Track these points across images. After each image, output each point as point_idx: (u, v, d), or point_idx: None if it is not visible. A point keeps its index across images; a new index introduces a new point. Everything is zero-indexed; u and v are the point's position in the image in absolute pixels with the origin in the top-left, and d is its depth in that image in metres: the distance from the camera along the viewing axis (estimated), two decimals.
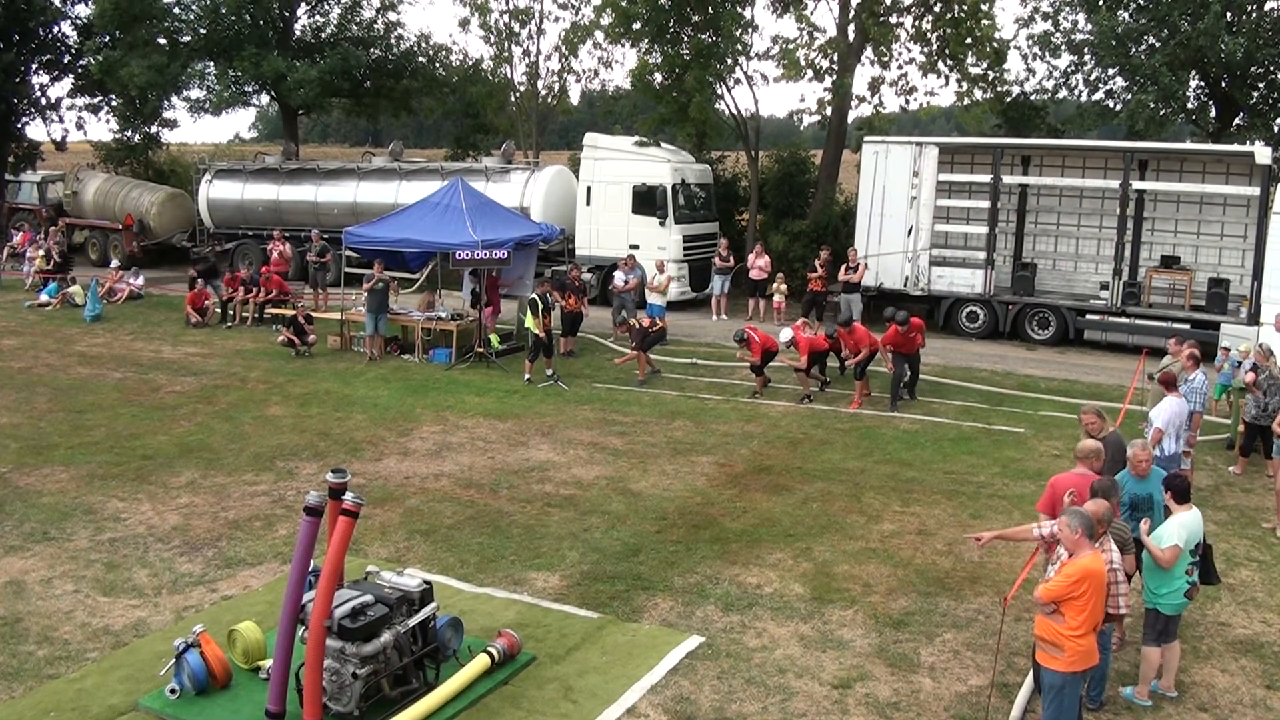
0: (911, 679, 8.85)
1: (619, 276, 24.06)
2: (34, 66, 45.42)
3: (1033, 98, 30.81)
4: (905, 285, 25.41)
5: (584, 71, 61.90)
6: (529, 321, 19.54)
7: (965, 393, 19.05)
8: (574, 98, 44.70)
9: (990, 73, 30.20)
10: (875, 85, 31.49)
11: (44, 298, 27.96)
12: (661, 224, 27.70)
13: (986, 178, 25.10)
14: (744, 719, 8.18)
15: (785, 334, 19.12)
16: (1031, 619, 7.90)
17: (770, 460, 14.73)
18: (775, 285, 26.49)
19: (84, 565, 11.12)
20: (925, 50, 30.78)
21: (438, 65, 40.56)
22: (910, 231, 25.18)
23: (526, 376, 19.31)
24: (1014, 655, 9.18)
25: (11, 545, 11.63)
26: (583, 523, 12.24)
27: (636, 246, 26.36)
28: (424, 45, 40.28)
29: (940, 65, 30.54)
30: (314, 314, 23.19)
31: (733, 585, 10.63)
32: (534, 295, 19.89)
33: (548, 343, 19.61)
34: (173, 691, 8.39)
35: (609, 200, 28.19)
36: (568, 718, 8.17)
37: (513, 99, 40.64)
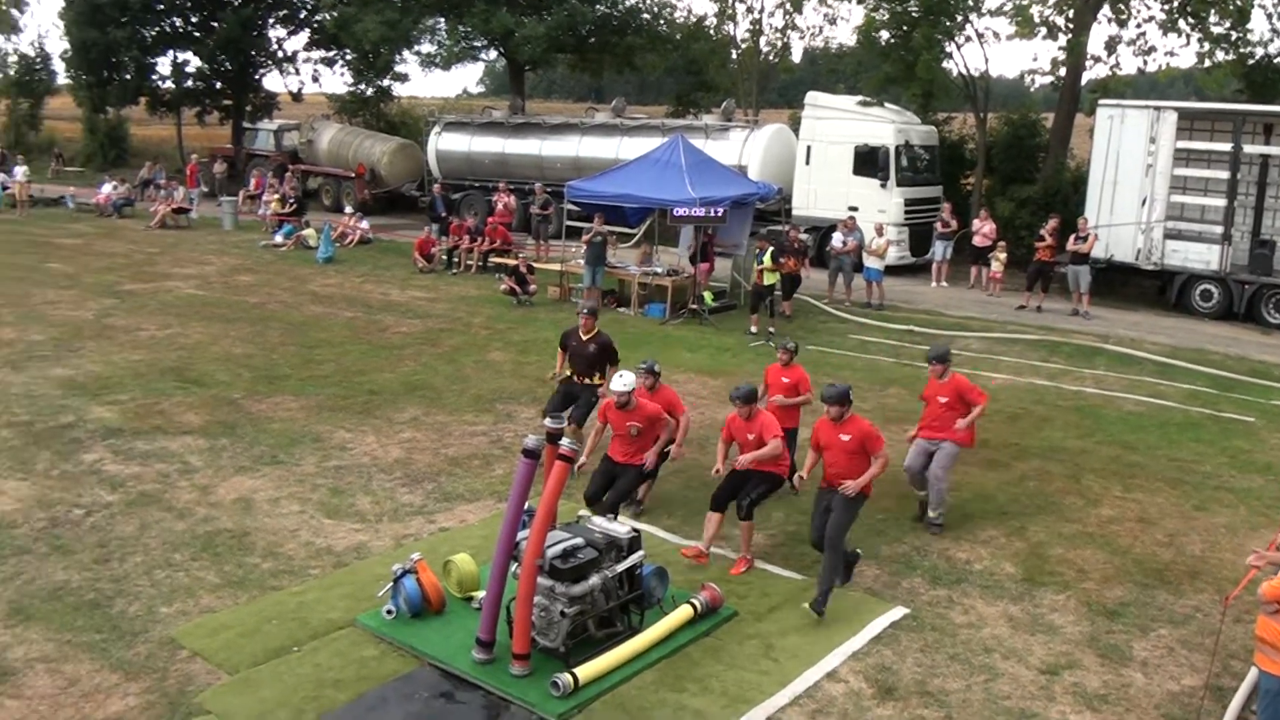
0: (1122, 672, 8.56)
1: (837, 238, 23.75)
2: (271, 21, 47.89)
3: (1277, 60, 28.78)
4: (1137, 258, 24.27)
5: (808, 28, 61.16)
6: (769, 275, 19.78)
7: (1194, 375, 18.13)
8: (796, 55, 44.45)
9: (1234, 33, 28.31)
10: (1112, 44, 30.06)
11: (279, 239, 29.50)
12: (883, 186, 27.18)
13: (1226, 146, 23.52)
14: (946, 695, 8.08)
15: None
16: (1253, 621, 7.52)
17: (987, 434, 14.35)
18: (995, 254, 25.61)
19: (310, 489, 11.82)
20: (1166, 7, 29.08)
21: (661, 22, 40.72)
22: (1144, 202, 23.98)
23: (752, 329, 19.48)
24: (1231, 658, 8.73)
25: (242, 466, 12.45)
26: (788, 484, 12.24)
27: (856, 208, 25.98)
28: (648, 2, 40.48)
29: (1181, 23, 28.79)
30: (535, 264, 23.79)
31: (941, 559, 10.48)
32: (772, 248, 20.24)
33: (768, 295, 19.77)
34: (389, 613, 8.86)
35: (829, 160, 27.83)
36: (767, 675, 8.24)
37: (735, 56, 40.52)
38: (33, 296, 21.77)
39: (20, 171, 37.04)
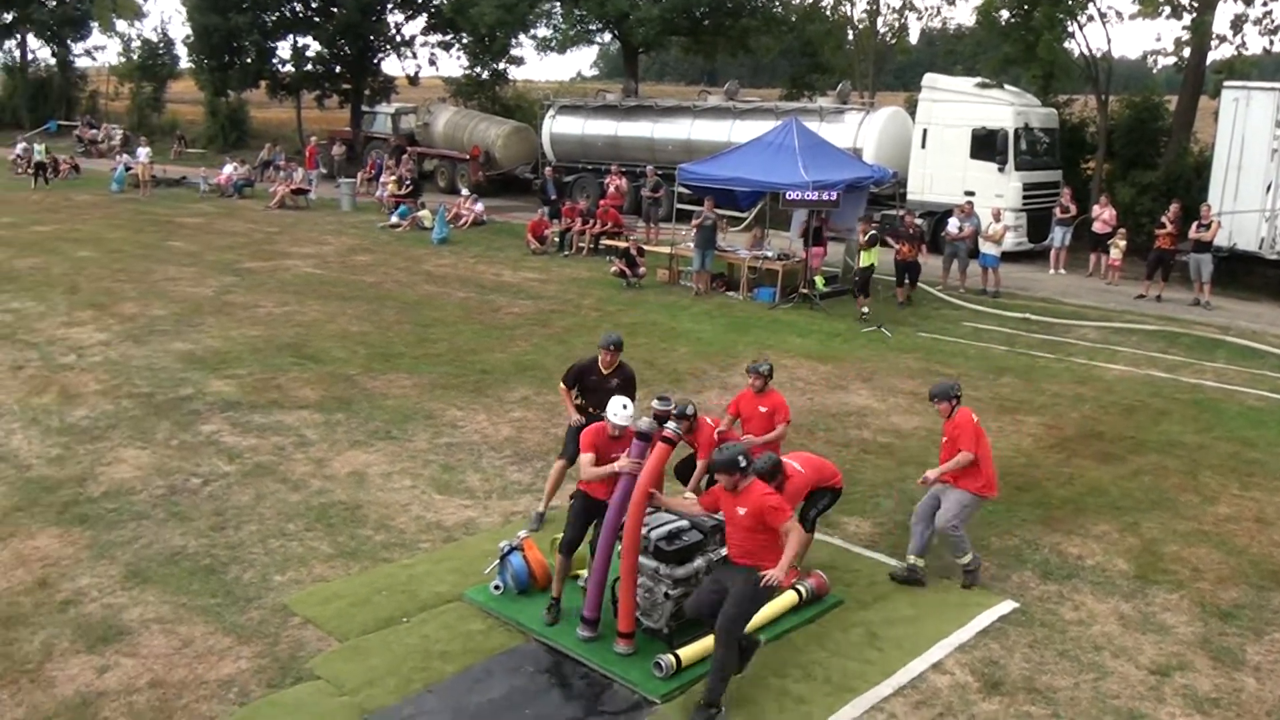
0: (1234, 676, 8.26)
1: (953, 224, 23.28)
2: (390, 5, 48.56)
3: None
4: (1260, 247, 23.33)
5: (926, 9, 60.08)
6: (867, 255, 19.57)
7: None
8: (914, 37, 43.74)
9: None
10: (1238, 23, 28.88)
11: (395, 219, 29.98)
12: (1000, 170, 26.59)
13: None
14: (1053, 692, 7.89)
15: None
16: None
17: (1102, 426, 14.02)
18: (1115, 240, 24.82)
19: (421, 464, 12.02)
20: None
21: (777, 3, 40.37)
22: (1269, 188, 23.04)
23: (864, 311, 19.55)
24: None
25: (357, 440, 12.70)
26: (899, 472, 12.08)
27: (973, 193, 25.46)
28: None
29: None
30: (645, 247, 23.81)
31: (1053, 553, 10.24)
32: (873, 230, 20.14)
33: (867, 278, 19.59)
34: (496, 588, 8.97)
35: (946, 144, 27.31)
36: (871, 664, 8.15)
37: (851, 38, 40.00)
38: (155, 273, 22.48)
39: (144, 153, 38.29)
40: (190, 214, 32.02)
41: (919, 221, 23.46)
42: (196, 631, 8.53)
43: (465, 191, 32.62)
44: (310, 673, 7.96)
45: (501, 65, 45.28)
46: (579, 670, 8.02)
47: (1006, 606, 9.13)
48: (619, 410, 8.66)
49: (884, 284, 21.96)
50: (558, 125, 35.59)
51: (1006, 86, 28.53)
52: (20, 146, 44.01)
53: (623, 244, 23.89)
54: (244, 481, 11.44)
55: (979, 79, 28.62)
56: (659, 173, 28.28)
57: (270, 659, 8.16)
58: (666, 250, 23.40)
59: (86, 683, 7.88)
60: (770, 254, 21.88)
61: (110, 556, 9.76)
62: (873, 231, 20.28)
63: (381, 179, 34.76)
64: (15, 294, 20.32)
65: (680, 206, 23.65)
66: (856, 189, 21.82)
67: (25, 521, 10.50)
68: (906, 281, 21.18)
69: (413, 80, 51.18)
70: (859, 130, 28.54)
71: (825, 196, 19.95)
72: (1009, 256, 24.45)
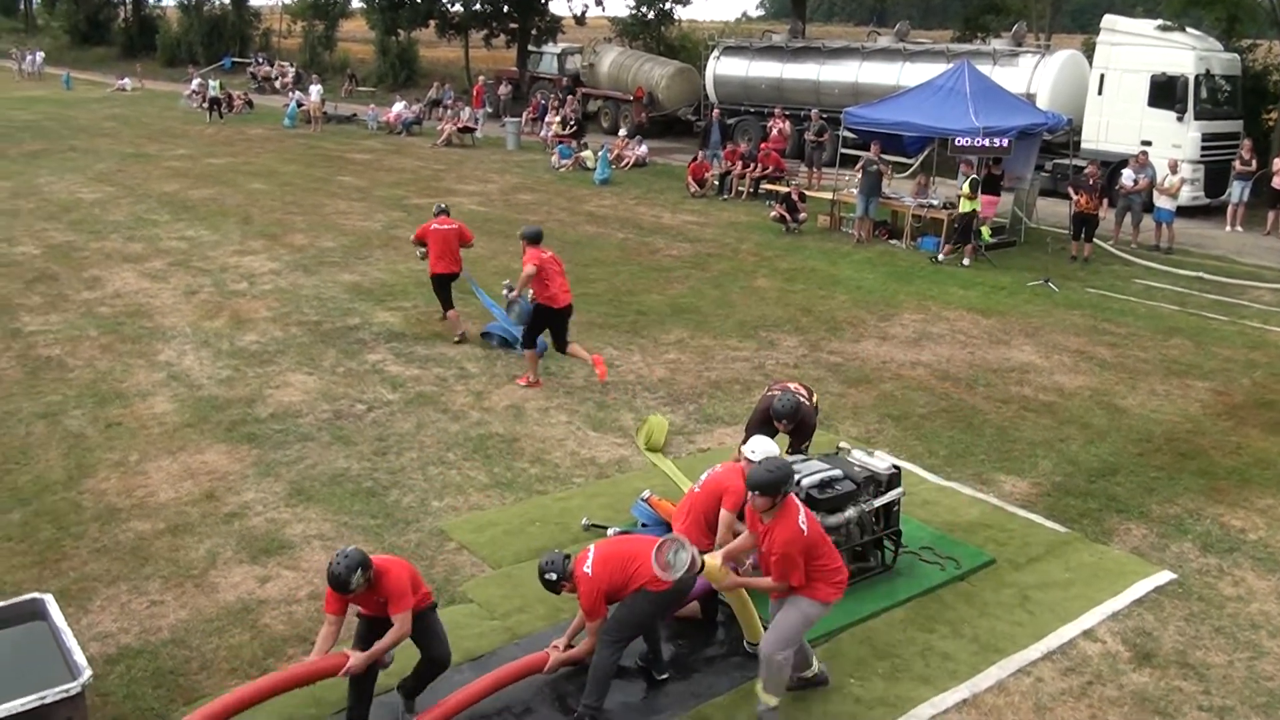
0: None
1: (1128, 175, 22.27)
2: None
3: None
4: None
5: None
6: (968, 202, 19.37)
7: None
8: None
9: None
10: None
11: (558, 159, 30.21)
12: (1179, 119, 25.24)
13: None
14: (1206, 669, 7.58)
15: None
16: None
17: (1274, 394, 13.33)
18: None
19: (578, 401, 12.18)
20: None
21: None
22: None
23: (964, 262, 19.31)
24: None
25: (515, 374, 12.95)
26: (1060, 432, 11.74)
27: (1149, 143, 24.30)
28: None
29: None
30: (807, 192, 23.48)
31: (1214, 525, 9.81)
32: (974, 175, 19.66)
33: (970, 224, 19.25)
34: (644, 526, 9.03)
35: (1123, 90, 26.05)
36: (1021, 626, 7.97)
37: None
38: (325, 207, 23.16)
39: (315, 91, 39.40)
40: (359, 150, 32.85)
41: (1100, 172, 22.51)
42: None
43: (622, 133, 32.64)
44: (463, 596, 8.20)
45: (667, 5, 45.01)
46: (724, 611, 8.04)
47: (1164, 577, 8.80)
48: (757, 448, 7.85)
49: (1055, 237, 21.26)
50: (722, 66, 35.24)
51: (1188, 30, 27.02)
52: (196, 82, 45.73)
53: (784, 188, 23.61)
54: (406, 410, 11.78)
55: (1160, 21, 27.16)
56: (824, 116, 27.78)
57: (426, 579, 8.39)
58: (828, 196, 23.04)
59: (248, 591, 8.28)
60: (936, 202, 21.35)
61: (275, 474, 10.19)
62: (974, 176, 19.70)
63: (546, 119, 35.03)
64: (190, 223, 21.20)
65: (844, 151, 23.22)
66: (1029, 136, 21.10)
67: (195, 438, 11.04)
68: (1082, 236, 20.37)
69: (579, 20, 51.28)
70: (1033, 74, 27.48)
71: (996, 143, 19.34)
72: (1184, 211, 23.29)
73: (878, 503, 8.38)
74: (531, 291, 12.48)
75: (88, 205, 23.27)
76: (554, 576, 6.83)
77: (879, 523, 8.53)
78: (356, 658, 6.30)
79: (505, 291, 13.69)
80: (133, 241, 19.73)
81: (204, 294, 16.27)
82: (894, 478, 8.53)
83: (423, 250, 14.21)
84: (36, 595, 6.74)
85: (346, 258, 18.61)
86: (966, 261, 19.44)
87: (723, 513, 7.70)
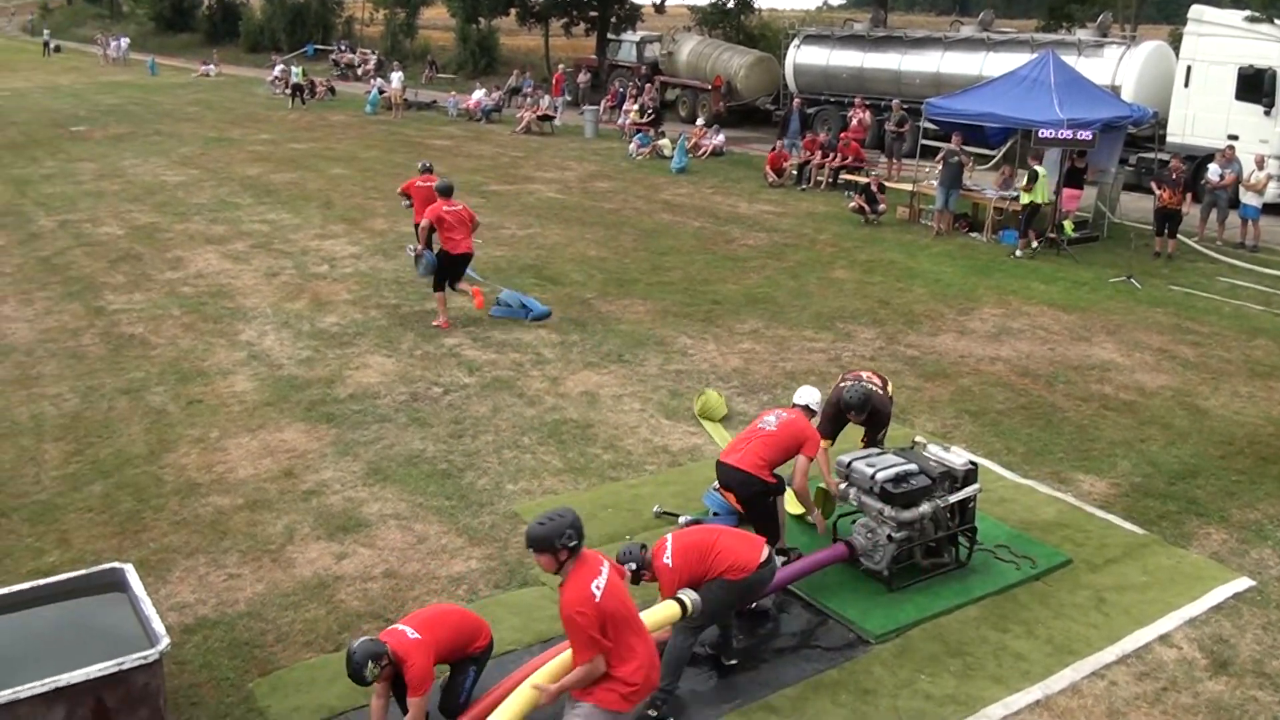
0: None
1: (1213, 170, 21.72)
2: None
3: None
4: None
5: None
6: (1028, 194, 19.23)
7: None
8: None
9: None
10: None
11: (635, 148, 30.21)
12: (1267, 113, 24.46)
13: None
14: None
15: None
16: None
17: None
18: None
19: (651, 389, 12.19)
20: None
21: None
22: None
23: (1019, 251, 19.07)
24: None
25: (590, 362, 13.00)
26: (1140, 432, 11.51)
27: (1236, 137, 23.68)
28: None
29: None
30: (886, 183, 23.26)
31: None
32: (1036, 168, 19.39)
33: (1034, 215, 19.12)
34: (715, 515, 9.04)
35: (1210, 83, 25.34)
36: (1096, 629, 7.83)
37: None
38: None
39: (396, 77, 39.78)
40: (439, 137, 33.13)
41: (1184, 166, 22.00)
42: (431, 529, 8.97)
43: (700, 121, 32.55)
44: (535, 579, 8.25)
45: None
46: (796, 603, 8.03)
47: (1243, 583, 8.58)
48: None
49: (1138, 232, 20.86)
50: (802, 55, 34.97)
51: (1277, 21, 26.26)
52: (279, 68, 46.34)
53: (863, 179, 23.40)
54: (482, 394, 11.89)
55: (1249, 12, 26.41)
56: (905, 106, 27.47)
57: (499, 561, 8.51)
58: (908, 187, 22.78)
59: (324, 567, 8.42)
60: (1018, 195, 21.00)
61: (353, 454, 10.33)
62: (1036, 168, 19.37)
63: (624, 107, 35.05)
64: (272, 206, 21.54)
65: (925, 142, 22.91)
66: (1113, 129, 20.68)
67: (275, 416, 11.24)
68: (1165, 232, 19.93)
69: (658, 8, 51.25)
70: (1118, 66, 26.91)
71: (1080, 135, 18.99)
72: (1270, 208, 22.63)
73: (953, 498, 8.30)
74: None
75: (171, 188, 23.74)
76: (634, 567, 6.83)
77: (954, 519, 8.46)
78: None
79: (409, 250, 14.84)
80: (215, 224, 20.09)
81: (285, 276, 16.54)
82: (970, 474, 8.44)
83: (408, 202, 15.70)
84: (117, 565, 6.90)
85: None
86: (1019, 254, 19.14)
87: (800, 459, 8.21)
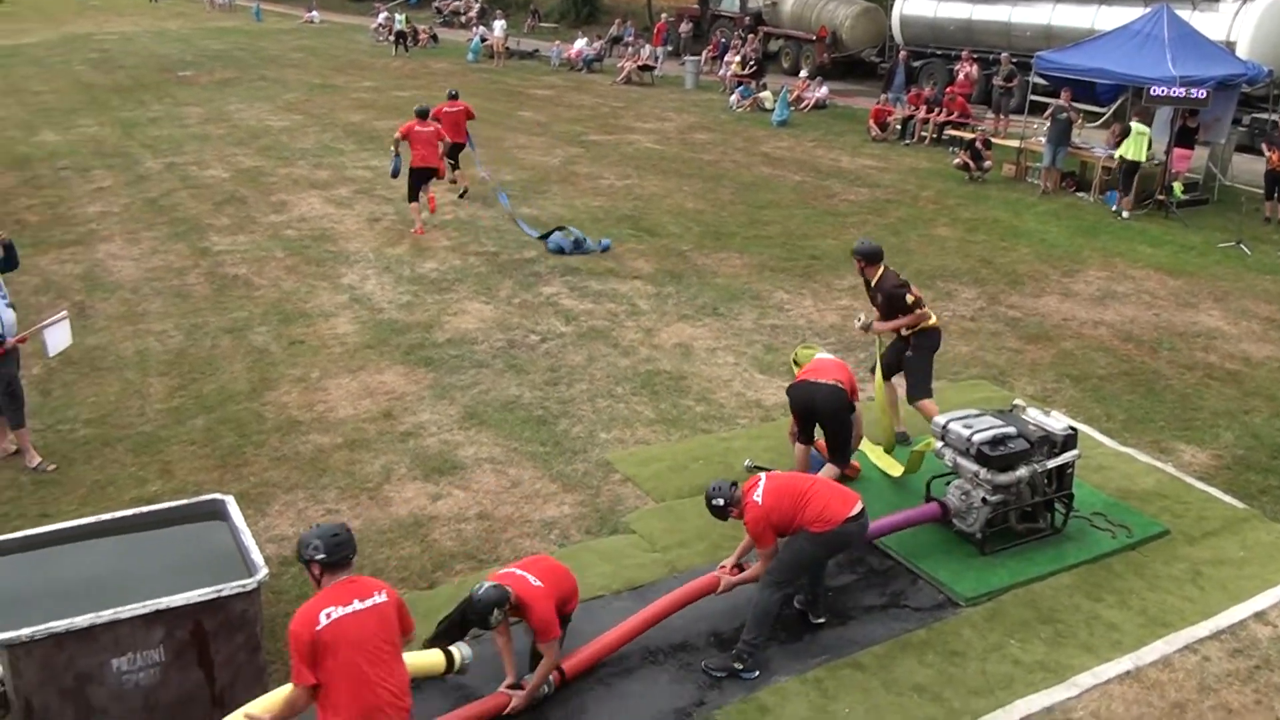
0: None
1: None
2: None
3: None
4: None
5: None
6: (1124, 145, 18.64)
7: None
8: None
9: None
10: None
11: (736, 99, 29.93)
12: None
13: None
14: None
15: None
16: None
17: None
18: None
19: (746, 343, 12.18)
20: None
21: None
22: None
23: (1115, 209, 18.80)
24: None
25: (685, 314, 13.01)
26: (1245, 403, 11.19)
27: None
28: None
29: None
30: (992, 139, 22.73)
31: None
32: (1130, 123, 18.91)
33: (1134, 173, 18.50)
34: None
35: None
36: (1191, 602, 7.68)
37: None
38: (505, 140, 23.50)
39: (499, 26, 39.81)
40: (540, 86, 33.17)
41: None
42: (525, 474, 9.10)
43: (803, 73, 32.11)
44: (626, 526, 8.36)
45: None
46: (886, 562, 8.01)
47: None
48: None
49: (1249, 196, 20.18)
50: (909, 7, 34.18)
51: None
52: (382, 16, 46.60)
53: (968, 135, 22.94)
54: (578, 343, 11.98)
55: None
56: (1013, 60, 26.80)
57: (590, 508, 8.62)
58: (1015, 144, 22.28)
59: (420, 507, 8.60)
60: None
61: (450, 398, 10.50)
62: (1133, 124, 18.83)
63: (726, 58, 34.71)
64: (375, 153, 21.78)
65: (1034, 98, 22.35)
66: (1227, 87, 19.96)
67: (374, 359, 11.45)
68: (1276, 196, 19.25)
69: None
70: (1234, 21, 25.80)
71: (1193, 94, 18.37)
72: None
73: (1051, 464, 8.17)
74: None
75: (276, 132, 24.13)
76: (721, 502, 6.90)
77: (1051, 484, 8.33)
78: (518, 697, 6.40)
79: (391, 153, 16.70)
80: (319, 169, 20.40)
81: (386, 222, 16.76)
82: (1069, 439, 8.29)
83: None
84: (218, 496, 7.13)
85: (525, 191, 18.89)
86: (1124, 214, 18.65)
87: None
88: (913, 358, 9.62)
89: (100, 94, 29.29)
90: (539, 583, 6.40)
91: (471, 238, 15.88)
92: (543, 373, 11.14)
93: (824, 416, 8.56)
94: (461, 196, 18.40)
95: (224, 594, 6.10)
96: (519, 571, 6.49)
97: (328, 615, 5.01)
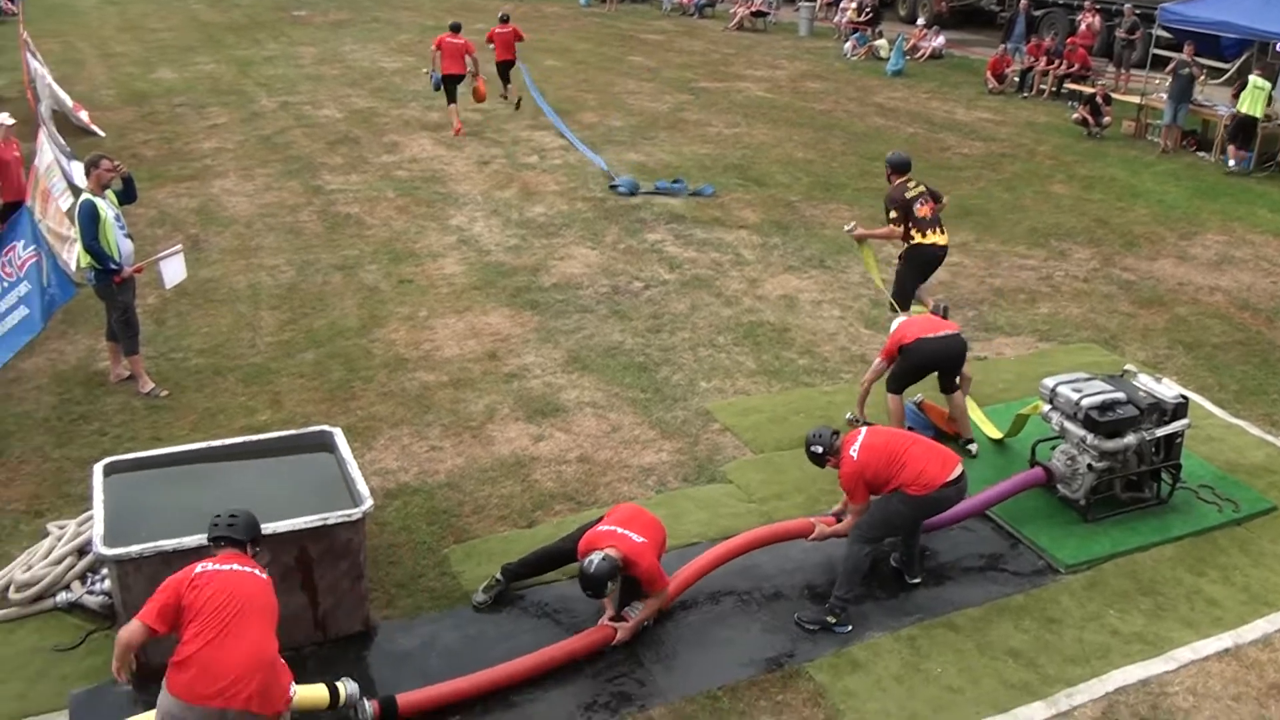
0: None
1: None
2: None
3: None
4: None
5: None
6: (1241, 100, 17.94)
7: None
8: None
9: None
10: None
11: (851, 47, 29.43)
12: None
13: None
14: None
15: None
16: None
17: None
18: None
19: (852, 297, 12.07)
20: None
21: None
22: None
23: (1230, 164, 18.18)
24: None
25: (790, 265, 12.92)
26: None
27: None
28: None
29: None
30: (1113, 94, 22.08)
31: None
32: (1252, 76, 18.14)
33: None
34: (911, 430, 8.92)
35: None
36: None
37: None
38: (615, 86, 23.44)
39: None
40: (651, 31, 32.94)
41: None
42: (625, 420, 9.18)
43: (920, 22, 31.40)
44: (723, 476, 8.40)
45: None
46: (986, 524, 7.93)
47: None
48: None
49: None
50: None
51: None
52: None
53: (1088, 89, 22.28)
54: (681, 291, 11.98)
55: None
56: (1138, 11, 25.90)
57: (689, 456, 8.67)
58: (1136, 100, 21.58)
59: (522, 447, 8.74)
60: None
61: (554, 341, 10.61)
62: (1252, 78, 18.07)
63: (841, 4, 34.09)
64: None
65: (1156, 52, 21.60)
66: None
67: (481, 300, 11.60)
68: None
69: None
70: None
71: None
72: None
73: (1160, 433, 7.99)
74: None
75: (389, 74, 24.34)
76: (819, 450, 6.92)
77: (1159, 454, 8.14)
78: (623, 630, 6.54)
79: (427, 71, 19.85)
80: (431, 110, 20.56)
81: (496, 165, 16.88)
82: (1180, 408, 8.09)
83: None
84: (326, 428, 7.32)
85: (633, 137, 18.86)
86: (1233, 164, 18.02)
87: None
88: (900, 268, 10.48)
89: (216, 32, 29.83)
90: (641, 538, 6.50)
91: (579, 183, 15.92)
92: (645, 320, 11.18)
93: (955, 367, 8.61)
94: (516, 108, 20.36)
95: (330, 522, 6.28)
96: (620, 530, 6.56)
97: (203, 568, 5.18)
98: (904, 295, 10.37)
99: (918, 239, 10.09)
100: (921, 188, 10.14)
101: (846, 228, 10.91)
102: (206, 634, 4.93)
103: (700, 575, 6.93)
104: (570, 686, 6.28)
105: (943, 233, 10.27)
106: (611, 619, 6.57)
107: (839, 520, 7.24)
